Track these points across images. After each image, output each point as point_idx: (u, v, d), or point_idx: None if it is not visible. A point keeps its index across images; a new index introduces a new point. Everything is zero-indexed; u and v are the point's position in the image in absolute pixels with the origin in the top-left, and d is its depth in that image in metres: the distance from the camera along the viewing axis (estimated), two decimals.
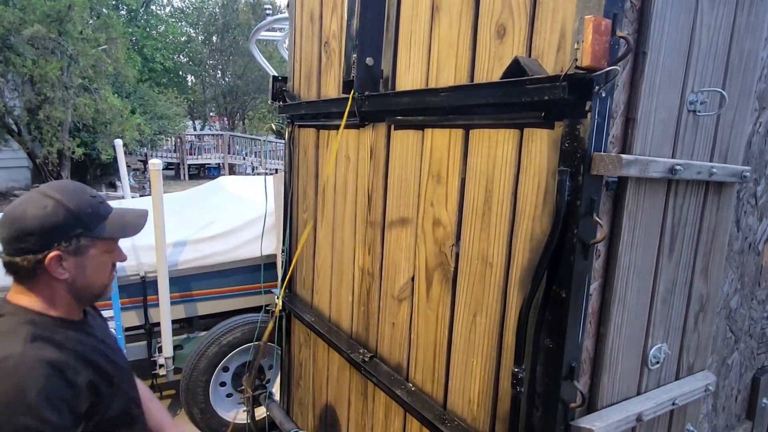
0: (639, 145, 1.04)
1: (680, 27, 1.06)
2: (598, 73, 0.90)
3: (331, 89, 1.91)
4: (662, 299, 1.22)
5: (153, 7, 21.83)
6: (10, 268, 1.12)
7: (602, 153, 0.96)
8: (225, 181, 5.29)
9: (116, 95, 13.37)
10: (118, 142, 5.19)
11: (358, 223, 1.78)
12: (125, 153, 5.47)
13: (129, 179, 6.89)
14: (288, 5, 2.34)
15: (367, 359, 1.70)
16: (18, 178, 13.47)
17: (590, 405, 1.14)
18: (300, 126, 2.23)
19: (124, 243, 1.27)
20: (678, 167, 1.07)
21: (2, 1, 10.14)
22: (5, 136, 11.91)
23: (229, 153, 18.56)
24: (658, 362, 1.25)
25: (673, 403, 1.25)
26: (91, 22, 12.56)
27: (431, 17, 1.37)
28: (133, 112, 13.87)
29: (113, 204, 1.28)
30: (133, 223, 1.24)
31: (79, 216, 1.13)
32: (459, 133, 1.29)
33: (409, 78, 1.47)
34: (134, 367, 3.54)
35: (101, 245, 1.18)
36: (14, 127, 12.09)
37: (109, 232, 1.18)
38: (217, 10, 22.93)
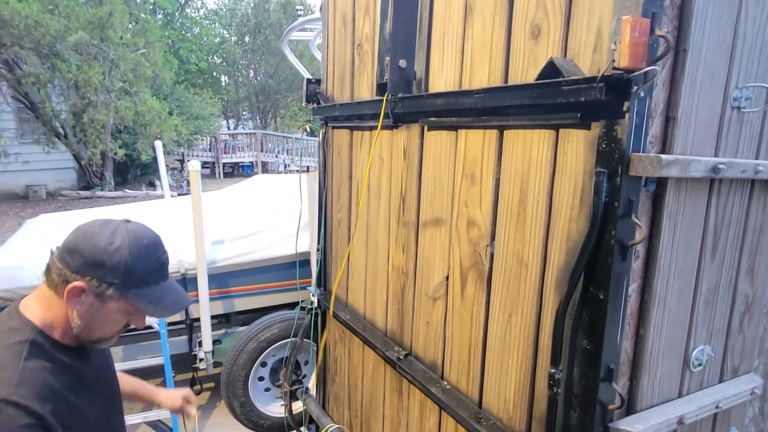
0: (679, 145, 1.02)
1: (723, 22, 1.03)
2: (636, 73, 0.89)
3: (365, 91, 1.93)
4: (705, 300, 1.20)
5: (188, 10, 22.37)
6: (48, 269, 1.11)
7: (641, 153, 0.95)
8: (260, 179, 5.41)
9: (154, 97, 13.80)
10: (158, 143, 5.37)
11: (392, 223, 1.80)
12: (163, 153, 5.65)
13: (168, 178, 7.13)
14: (321, 8, 2.37)
15: (402, 357, 1.72)
16: (65, 178, 14.08)
17: (629, 407, 1.13)
18: (334, 127, 2.26)
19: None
20: (721, 166, 1.04)
21: (48, 11, 10.59)
22: (53, 138, 12.47)
23: (261, 151, 18.89)
24: (700, 364, 1.22)
25: (717, 407, 1.22)
26: (130, 27, 12.99)
27: (464, 18, 1.37)
28: (170, 113, 14.28)
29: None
30: (170, 306, 1.16)
31: (126, 270, 1.08)
32: (493, 134, 1.29)
33: (442, 79, 1.48)
34: (176, 360, 3.67)
35: (125, 305, 1.11)
36: (61, 130, 12.65)
37: (140, 301, 1.11)
38: (249, 11, 23.31)
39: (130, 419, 3.23)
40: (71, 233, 1.11)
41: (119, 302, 1.09)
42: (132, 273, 1.08)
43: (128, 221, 1.14)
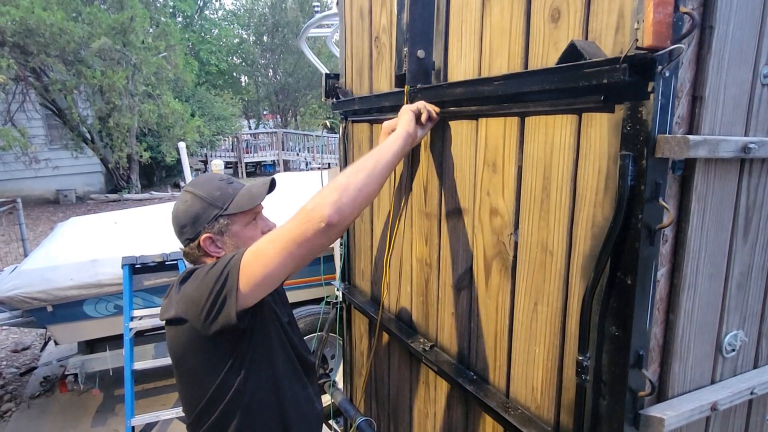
0: (708, 125, 1.00)
1: None
2: (660, 52, 0.87)
3: (383, 84, 1.93)
4: (737, 284, 1.17)
5: (206, 12, 22.64)
6: (186, 257, 1.41)
7: (667, 135, 0.93)
8: (282, 177, 5.46)
9: (177, 100, 14.05)
10: (182, 145, 5.48)
11: (415, 215, 1.80)
12: (187, 154, 5.76)
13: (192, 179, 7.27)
14: (337, 3, 2.37)
15: (427, 348, 1.73)
16: (93, 182, 14.46)
17: (660, 394, 1.11)
18: (353, 121, 2.27)
19: None
20: (752, 145, 1.01)
21: (72, 18, 10.85)
22: (80, 144, 12.81)
23: (283, 150, 19.06)
24: (733, 350, 1.20)
25: (752, 393, 1.19)
26: (150, 31, 13.24)
27: (482, 5, 1.36)
28: (192, 115, 14.51)
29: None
30: (257, 192, 1.42)
31: (211, 201, 1.36)
32: (514, 120, 1.28)
33: (461, 68, 1.47)
34: None
35: (239, 219, 1.39)
36: (88, 135, 12.98)
37: (238, 206, 1.38)
38: (267, 10, 23.46)
39: (164, 414, 3.32)
40: (173, 227, 1.40)
41: (234, 220, 1.38)
42: (214, 198, 1.36)
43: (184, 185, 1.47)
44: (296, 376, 1.51)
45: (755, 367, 1.27)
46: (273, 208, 4.55)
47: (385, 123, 1.58)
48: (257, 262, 1.18)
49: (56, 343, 4.21)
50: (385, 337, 2.12)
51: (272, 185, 1.47)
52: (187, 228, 1.36)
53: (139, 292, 3.59)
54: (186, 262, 1.44)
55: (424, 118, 1.50)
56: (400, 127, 1.41)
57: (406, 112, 1.47)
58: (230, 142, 18.54)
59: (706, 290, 1.11)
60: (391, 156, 1.30)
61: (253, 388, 1.35)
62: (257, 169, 18.97)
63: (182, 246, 1.41)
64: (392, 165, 1.31)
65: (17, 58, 10.25)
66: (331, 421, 2.72)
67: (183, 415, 3.51)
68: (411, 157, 1.79)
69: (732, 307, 1.17)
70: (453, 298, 1.61)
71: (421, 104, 1.50)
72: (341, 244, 2.50)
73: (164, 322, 1.35)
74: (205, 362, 1.32)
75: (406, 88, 1.60)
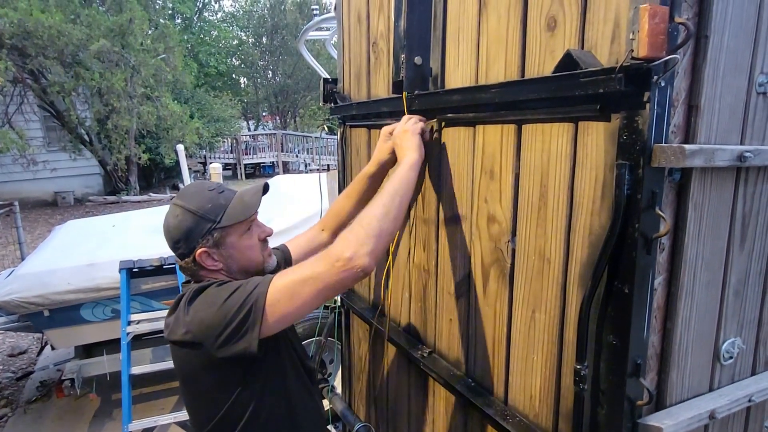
0: (703, 134, 1.00)
1: (746, 5, 1.00)
2: (656, 62, 0.87)
3: (381, 89, 1.93)
4: (734, 291, 1.17)
5: (206, 14, 22.64)
6: (183, 271, 1.37)
7: (663, 144, 0.93)
8: (281, 179, 5.46)
9: (176, 101, 14.03)
10: (180, 147, 5.48)
11: (412, 221, 1.80)
12: (186, 156, 5.75)
13: (190, 181, 7.24)
14: (335, 8, 2.37)
15: (425, 355, 1.72)
16: (92, 184, 14.44)
17: (658, 402, 1.11)
18: (351, 126, 2.27)
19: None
20: (747, 154, 1.01)
21: (70, 20, 10.83)
22: (79, 146, 12.79)
23: (282, 151, 19.05)
24: (731, 357, 1.20)
25: (750, 400, 1.19)
26: (149, 32, 13.23)
27: (479, 13, 1.36)
28: (191, 116, 14.49)
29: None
30: (251, 202, 1.37)
31: (202, 214, 1.30)
32: (511, 128, 1.28)
33: (458, 75, 1.47)
34: None
35: (233, 231, 1.33)
36: (86, 137, 12.96)
37: (232, 217, 1.32)
38: (266, 12, 23.46)
39: (162, 419, 3.31)
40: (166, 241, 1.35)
41: (229, 232, 1.32)
42: (206, 210, 1.30)
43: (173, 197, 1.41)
44: (305, 388, 1.51)
45: (753, 374, 1.27)
46: (272, 211, 4.54)
47: (385, 128, 1.58)
48: (290, 303, 1.19)
49: (53, 348, 4.20)
50: (384, 342, 2.12)
51: (265, 190, 1.43)
52: (181, 243, 1.32)
53: (137, 296, 3.58)
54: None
55: (426, 137, 1.53)
56: (412, 153, 1.44)
57: (414, 135, 1.48)
58: (229, 144, 18.53)
59: (703, 298, 1.11)
60: (410, 190, 1.37)
61: (268, 405, 1.35)
62: (256, 171, 18.94)
63: (179, 261, 1.37)
64: (411, 195, 1.38)
65: (15, 60, 10.24)
66: (329, 426, 2.72)
67: (181, 419, 3.49)
68: None
69: (729, 315, 1.17)
70: (451, 305, 1.61)
71: (421, 124, 1.53)
72: None
73: (171, 341, 1.33)
74: (218, 383, 1.30)
75: (405, 94, 1.60)
